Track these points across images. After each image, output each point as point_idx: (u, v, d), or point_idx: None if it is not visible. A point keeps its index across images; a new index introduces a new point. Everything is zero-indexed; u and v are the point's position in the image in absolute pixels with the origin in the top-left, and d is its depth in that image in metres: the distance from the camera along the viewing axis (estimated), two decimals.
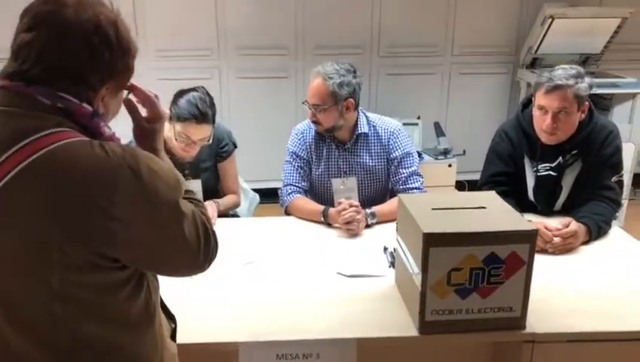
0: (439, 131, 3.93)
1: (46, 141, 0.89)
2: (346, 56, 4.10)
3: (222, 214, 2.35)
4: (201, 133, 2.11)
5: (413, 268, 1.44)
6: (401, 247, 1.59)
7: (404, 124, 3.95)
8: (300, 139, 2.31)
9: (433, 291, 1.39)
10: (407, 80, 4.22)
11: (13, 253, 0.90)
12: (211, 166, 2.38)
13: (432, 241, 1.36)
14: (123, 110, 1.13)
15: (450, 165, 3.81)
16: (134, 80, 1.09)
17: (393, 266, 1.75)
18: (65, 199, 0.89)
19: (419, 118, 4.05)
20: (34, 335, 0.94)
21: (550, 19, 3.71)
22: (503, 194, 2.09)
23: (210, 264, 1.09)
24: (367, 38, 4.12)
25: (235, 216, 2.65)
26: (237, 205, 2.50)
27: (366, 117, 2.28)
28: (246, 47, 4.04)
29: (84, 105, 0.97)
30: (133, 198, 0.92)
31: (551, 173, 2.12)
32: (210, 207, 2.17)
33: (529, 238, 1.37)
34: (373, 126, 2.27)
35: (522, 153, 2.17)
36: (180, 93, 2.14)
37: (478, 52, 4.19)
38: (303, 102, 2.20)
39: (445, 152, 3.84)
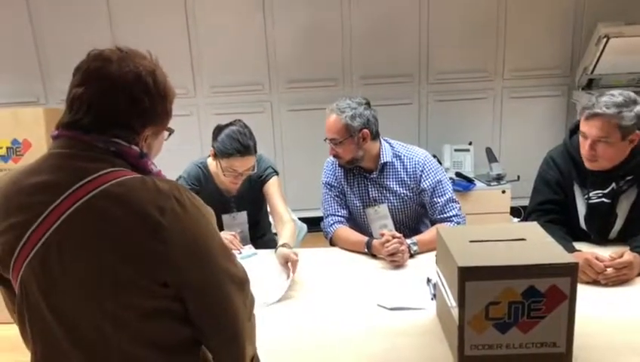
0: (491, 157, 3.85)
1: (104, 179, 1.02)
2: (396, 85, 4.16)
3: (271, 237, 2.44)
4: (246, 165, 2.21)
5: (451, 301, 1.43)
6: (440, 280, 1.58)
7: (455, 150, 3.98)
8: (331, 171, 2.38)
9: (471, 325, 1.37)
10: (458, 106, 4.19)
11: (75, 274, 1.02)
12: (255, 198, 2.45)
13: (468, 275, 1.34)
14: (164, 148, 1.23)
15: (503, 191, 3.72)
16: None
17: (436, 299, 1.74)
18: (119, 226, 1.00)
19: (470, 143, 4.00)
20: (93, 356, 1.04)
21: (605, 39, 3.60)
22: (552, 223, 2.07)
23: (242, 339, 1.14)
24: (416, 65, 4.14)
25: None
26: (294, 230, 2.41)
27: (390, 146, 2.32)
28: (295, 80, 4.16)
29: (133, 147, 1.09)
30: (179, 223, 1.03)
31: (604, 200, 2.04)
32: (292, 255, 1.99)
33: (570, 271, 1.33)
34: (398, 156, 2.30)
35: (571, 180, 2.10)
36: (219, 129, 2.25)
37: (530, 75, 4.11)
38: (324, 140, 2.26)
39: (498, 178, 3.76)
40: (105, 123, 1.06)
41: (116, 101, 1.06)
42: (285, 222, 2.36)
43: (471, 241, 1.48)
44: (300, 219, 2.87)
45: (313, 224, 2.98)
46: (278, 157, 4.27)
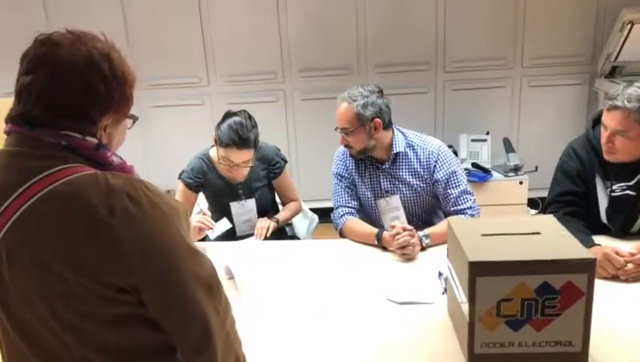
0: (509, 147, 3.75)
1: (53, 178, 0.94)
2: (412, 73, 4.07)
3: (282, 228, 2.41)
4: (243, 157, 2.19)
5: (462, 297, 1.38)
6: (451, 274, 1.53)
7: (472, 140, 3.88)
8: (342, 161, 2.31)
9: (482, 322, 1.32)
10: (475, 94, 4.08)
11: (25, 283, 0.96)
12: (265, 185, 2.44)
13: (479, 270, 1.29)
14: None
15: (521, 182, 3.62)
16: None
17: (447, 293, 1.68)
18: (65, 230, 0.92)
19: (488, 133, 3.91)
20: None
21: (630, 25, 3.46)
22: (571, 215, 1.99)
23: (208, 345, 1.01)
24: (432, 53, 4.04)
25: (295, 236, 2.67)
26: (299, 210, 2.58)
27: (404, 136, 2.25)
28: (309, 68, 4.09)
29: (88, 138, 1.01)
30: (131, 224, 0.94)
31: (629, 192, 1.96)
32: (264, 221, 2.27)
33: (587, 267, 1.26)
34: (411, 145, 2.23)
35: (593, 172, 2.02)
36: (225, 117, 2.22)
37: (551, 63, 3.98)
38: (335, 129, 2.19)
39: (516, 169, 3.66)
40: (56, 114, 0.97)
41: (68, 89, 0.97)
42: (291, 203, 2.49)
43: (483, 235, 1.42)
44: (311, 209, 2.83)
45: (324, 215, 2.94)
46: (290, 147, 4.23)
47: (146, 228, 0.96)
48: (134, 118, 1.14)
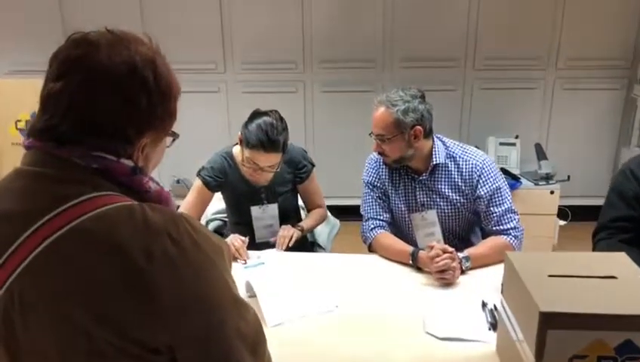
0: (541, 154, 3.55)
1: (80, 210, 0.77)
2: (439, 70, 3.86)
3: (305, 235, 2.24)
4: (270, 161, 2.00)
5: (525, 351, 1.20)
6: (507, 315, 1.35)
7: (500, 144, 3.68)
8: (374, 169, 2.12)
9: None
10: (505, 95, 3.87)
11: (41, 335, 0.78)
12: (289, 189, 2.25)
13: (551, 322, 1.11)
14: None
15: (552, 192, 3.43)
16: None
17: (494, 329, 1.51)
18: (94, 276, 0.76)
19: (517, 137, 3.70)
20: None
21: None
22: (628, 243, 1.80)
23: None
24: (462, 48, 3.83)
25: (315, 243, 2.50)
26: (324, 217, 2.40)
27: (444, 145, 2.05)
28: (331, 59, 3.89)
29: (123, 161, 0.84)
30: (173, 272, 0.77)
31: None
32: (287, 230, 2.11)
33: None
34: (452, 157, 2.03)
35: None
36: (253, 116, 2.03)
37: (587, 65, 3.77)
38: (369, 134, 2.00)
39: (547, 177, 3.47)
40: (88, 130, 0.82)
41: (104, 101, 0.81)
42: (315, 210, 2.32)
43: (550, 276, 1.24)
44: (328, 207, 2.65)
45: (342, 213, 2.77)
46: (308, 140, 4.04)
47: (191, 277, 0.80)
48: (175, 136, 0.96)
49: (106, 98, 0.81)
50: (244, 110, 3.85)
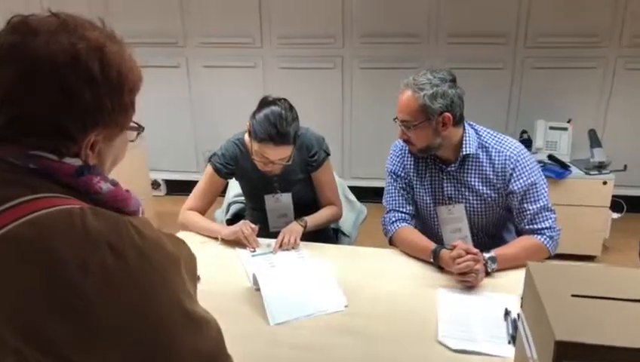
0: (595, 140, 3.27)
1: (13, 214, 0.69)
2: (487, 46, 3.61)
3: (319, 230, 2.12)
4: (280, 154, 1.88)
5: None
6: (524, 333, 1.21)
7: (550, 128, 3.42)
8: (398, 157, 1.97)
9: None
10: (559, 75, 3.59)
11: None
12: (304, 178, 2.14)
13: (567, 354, 0.97)
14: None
15: (605, 182, 3.15)
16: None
17: (514, 342, 1.37)
18: (23, 289, 0.67)
19: (569, 121, 3.43)
20: None
21: None
22: None
23: None
24: (512, 24, 3.56)
25: (339, 230, 2.40)
26: (336, 217, 2.23)
27: (477, 134, 1.87)
28: (372, 34, 3.71)
29: (67, 160, 0.76)
30: (110, 288, 0.69)
31: None
32: (288, 234, 1.94)
33: None
34: (485, 147, 1.85)
35: None
36: (262, 105, 1.90)
37: None
38: (393, 119, 1.85)
39: (600, 166, 3.19)
40: (24, 127, 0.74)
41: (41, 94, 0.73)
42: (328, 207, 2.16)
43: (574, 296, 1.09)
44: (364, 189, 2.50)
45: (377, 195, 2.63)
46: (345, 119, 3.91)
47: (128, 292, 0.71)
48: (139, 130, 0.87)
49: (43, 91, 0.73)
50: (280, 86, 3.78)
